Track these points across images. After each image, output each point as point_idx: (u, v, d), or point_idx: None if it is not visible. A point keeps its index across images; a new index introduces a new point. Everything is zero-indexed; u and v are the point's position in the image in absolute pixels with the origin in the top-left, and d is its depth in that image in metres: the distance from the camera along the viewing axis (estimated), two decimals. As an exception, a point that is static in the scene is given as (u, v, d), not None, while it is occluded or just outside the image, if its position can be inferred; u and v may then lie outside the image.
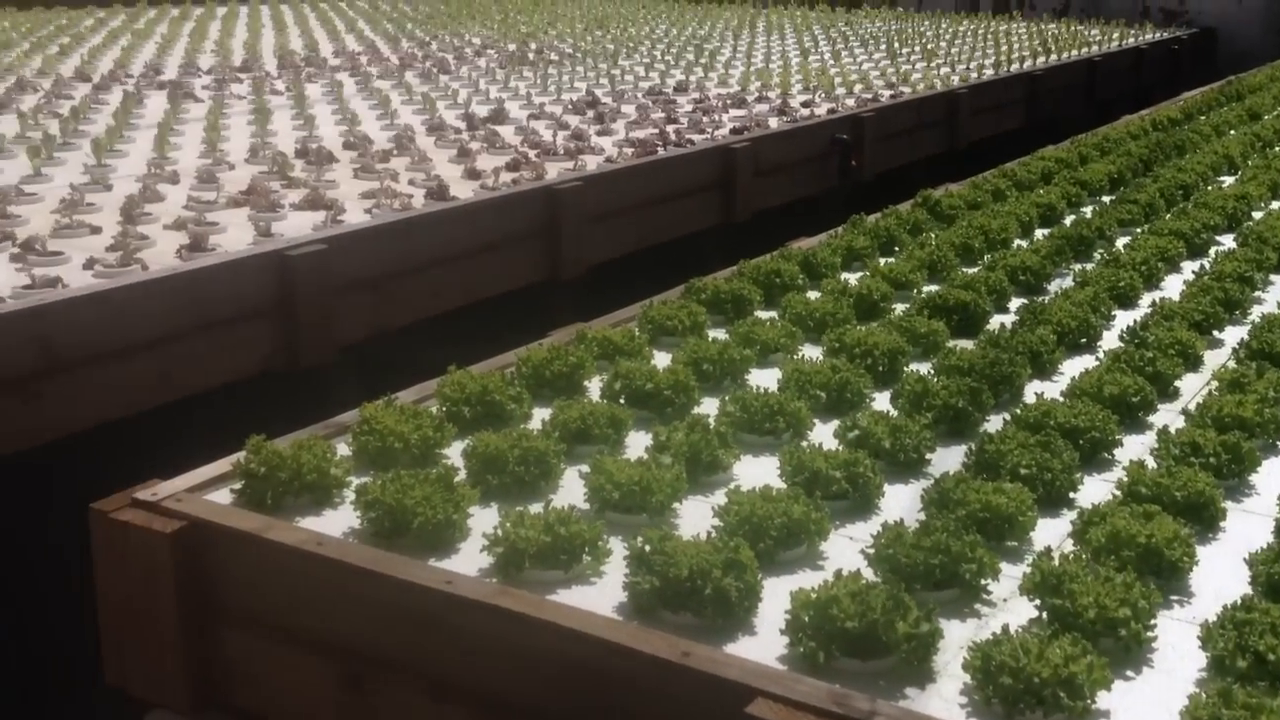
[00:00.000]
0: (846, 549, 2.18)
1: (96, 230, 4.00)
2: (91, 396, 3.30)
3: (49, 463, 3.35)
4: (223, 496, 2.34)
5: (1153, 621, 1.90)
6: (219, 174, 4.83)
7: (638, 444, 2.61)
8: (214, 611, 2.22)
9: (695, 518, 2.26)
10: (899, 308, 3.52)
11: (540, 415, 2.73)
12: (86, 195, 4.40)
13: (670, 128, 6.30)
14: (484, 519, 2.26)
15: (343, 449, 2.51)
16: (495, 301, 4.70)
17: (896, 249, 4.21)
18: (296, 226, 4.17)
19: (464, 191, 4.76)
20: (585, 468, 2.39)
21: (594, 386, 2.92)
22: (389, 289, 4.18)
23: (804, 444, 2.45)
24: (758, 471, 2.47)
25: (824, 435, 2.62)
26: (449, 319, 4.54)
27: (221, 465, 2.41)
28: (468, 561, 2.12)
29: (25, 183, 4.58)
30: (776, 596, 1.97)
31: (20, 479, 3.42)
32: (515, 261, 4.72)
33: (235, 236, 4.00)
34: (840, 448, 2.48)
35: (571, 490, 2.39)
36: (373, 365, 4.32)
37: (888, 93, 7.85)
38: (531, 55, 9.28)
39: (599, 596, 2.01)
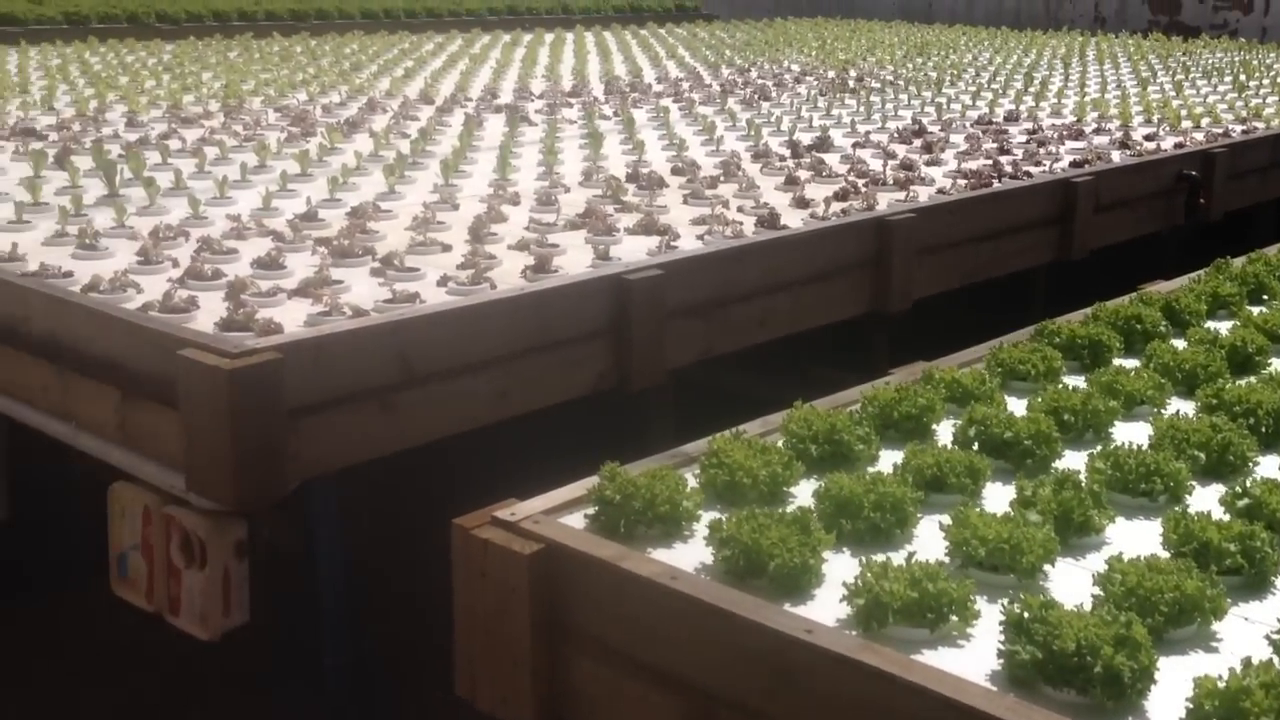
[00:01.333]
0: (1242, 630, 1.98)
1: (447, 248, 4.16)
2: (440, 410, 3.42)
3: (399, 470, 3.50)
4: (576, 521, 2.36)
5: None
6: (556, 196, 4.96)
7: (995, 495, 2.48)
8: (564, 635, 2.23)
9: (1068, 583, 2.11)
10: (1275, 363, 3.23)
11: (887, 458, 2.64)
12: (437, 214, 4.60)
13: (1003, 159, 6.06)
14: (836, 565, 2.19)
15: (689, 479, 2.48)
16: (816, 333, 4.62)
17: (1265, 297, 3.88)
18: (631, 250, 4.22)
19: (793, 220, 4.71)
20: (942, 518, 2.29)
21: (942, 431, 2.80)
22: (718, 315, 4.17)
23: (1187, 510, 2.25)
24: (1132, 537, 2.29)
25: (1202, 501, 2.41)
26: (771, 348, 4.50)
27: (575, 489, 2.43)
28: (823, 609, 2.05)
29: (381, 199, 4.83)
30: (1167, 679, 1.80)
31: (373, 485, 3.60)
32: (841, 293, 4.63)
33: (574, 258, 4.08)
34: (1227, 516, 2.26)
35: (927, 542, 2.28)
36: (695, 391, 4.33)
37: (1239, 128, 7.31)
38: (852, 82, 9.17)
39: (967, 661, 1.89)
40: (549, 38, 12.53)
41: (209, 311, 3.40)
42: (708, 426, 3.75)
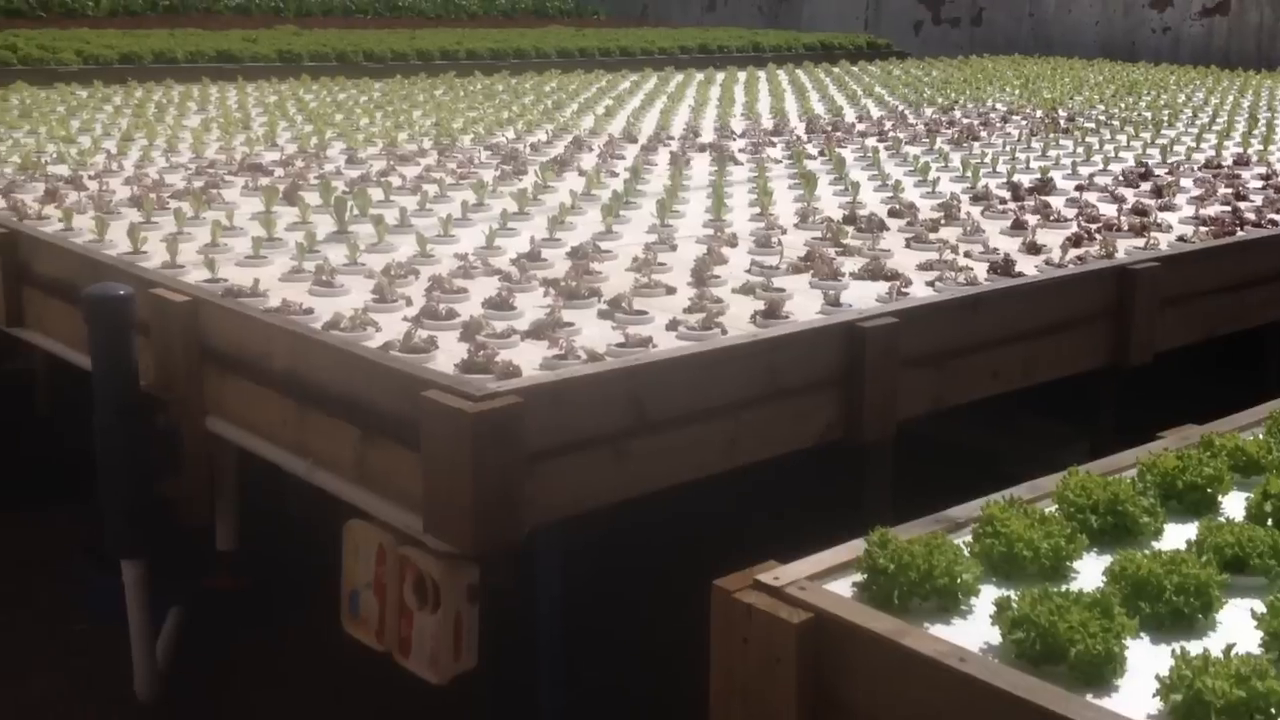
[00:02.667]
0: None
1: (671, 290, 4.10)
2: (672, 458, 3.35)
3: (620, 516, 3.43)
4: (842, 588, 2.23)
5: None
6: (775, 238, 4.85)
7: (1303, 581, 2.26)
8: (833, 711, 2.10)
9: None
10: None
11: (1170, 532, 2.44)
12: (657, 255, 4.55)
13: (1242, 204, 5.72)
14: (1135, 652, 2.01)
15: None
16: (1046, 387, 4.41)
17: None
18: (859, 296, 4.09)
19: (1026, 266, 4.50)
20: (1246, 602, 2.09)
21: (1229, 504, 2.58)
22: (950, 366, 4.01)
23: None
24: None
25: None
26: (999, 402, 4.31)
27: (840, 553, 2.31)
28: (1128, 703, 1.87)
29: (599, 239, 4.81)
30: None
31: (595, 530, 3.55)
32: (1079, 344, 4.41)
33: (802, 304, 3.97)
34: None
35: (1232, 629, 2.08)
36: (908, 441, 4.16)
37: None
38: (1063, 122, 8.85)
39: (1306, 773, 1.70)
40: (742, 76, 12.48)
41: (446, 352, 3.40)
42: (928, 481, 3.57)
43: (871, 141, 7.78)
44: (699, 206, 5.58)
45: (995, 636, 2.06)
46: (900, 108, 9.79)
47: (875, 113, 9.45)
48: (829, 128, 8.40)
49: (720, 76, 12.43)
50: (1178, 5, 16.71)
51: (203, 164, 6.29)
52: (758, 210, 5.48)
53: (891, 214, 5.43)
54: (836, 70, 13.41)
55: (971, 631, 2.10)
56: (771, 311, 3.79)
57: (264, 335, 3.53)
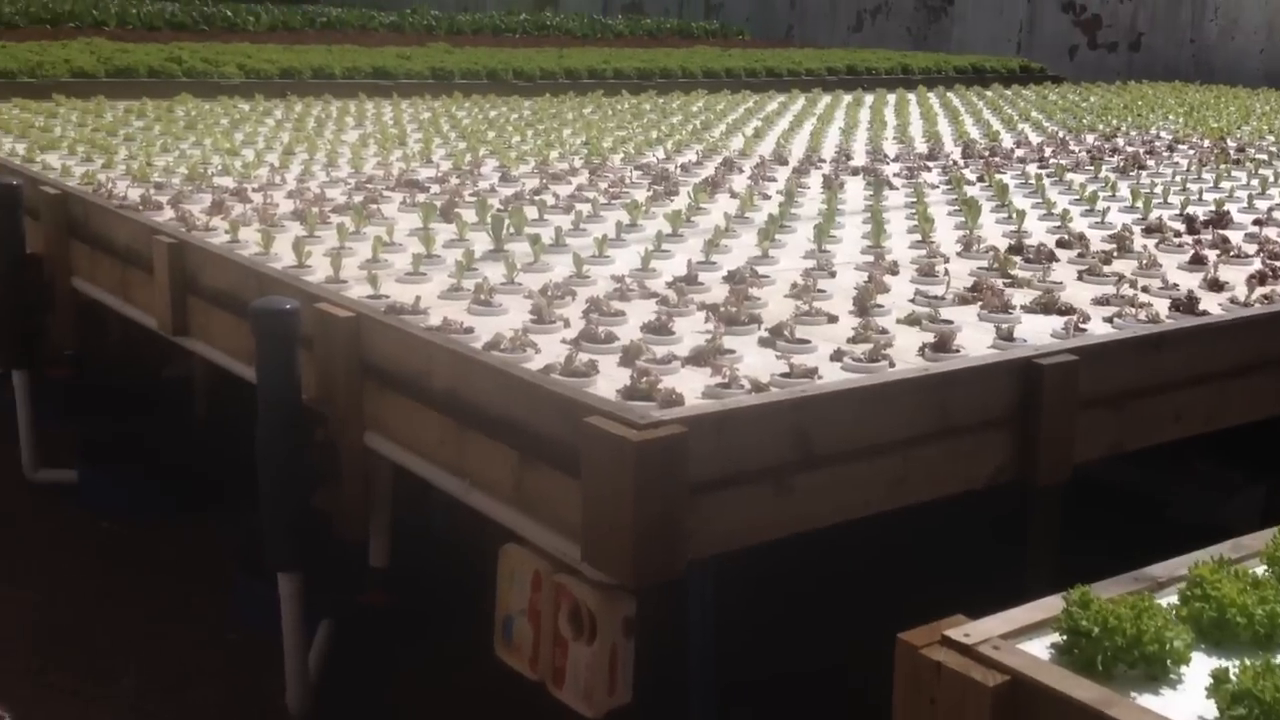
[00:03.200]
0: None
1: (833, 319, 3.98)
2: (836, 494, 3.23)
3: (779, 551, 3.32)
4: (1037, 648, 2.09)
5: None
6: (938, 267, 4.69)
7: None
8: (1028, 781, 1.96)
9: None
10: None
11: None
12: (816, 281, 4.43)
13: None
14: (1369, 737, 1.83)
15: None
16: (1228, 433, 4.17)
17: None
18: (1032, 330, 3.91)
19: (1209, 304, 4.27)
20: None
21: None
22: (1130, 408, 3.80)
23: None
24: None
25: None
26: (1176, 447, 4.09)
27: (1034, 611, 2.16)
28: (1368, 795, 1.70)
29: (755, 263, 4.71)
30: None
31: (747, 565, 3.44)
32: (1266, 388, 4.16)
33: (972, 337, 3.81)
34: None
35: None
36: (1085, 486, 3.96)
37: None
38: (1233, 153, 8.46)
39: None
40: (891, 98, 12.28)
41: (606, 376, 3.33)
42: (1093, 525, 3.35)
43: (1032, 168, 7.54)
44: (856, 232, 5.44)
45: (1208, 710, 1.90)
46: (1060, 133, 9.49)
47: (1034, 138, 9.17)
48: (986, 153, 8.17)
49: (869, 98, 12.25)
50: (1352, 32, 15.97)
51: (361, 179, 6.37)
52: (918, 237, 5.33)
53: (1060, 244, 5.22)
54: (989, 94, 13.09)
55: (1182, 703, 1.94)
56: (942, 345, 3.64)
57: (425, 353, 3.52)
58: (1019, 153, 8.29)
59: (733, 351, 3.58)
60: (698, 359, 3.51)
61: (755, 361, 3.55)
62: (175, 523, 5.61)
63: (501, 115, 9.62)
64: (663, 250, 4.86)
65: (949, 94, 12.99)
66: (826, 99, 12.16)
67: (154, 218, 5.13)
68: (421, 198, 5.81)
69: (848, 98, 12.37)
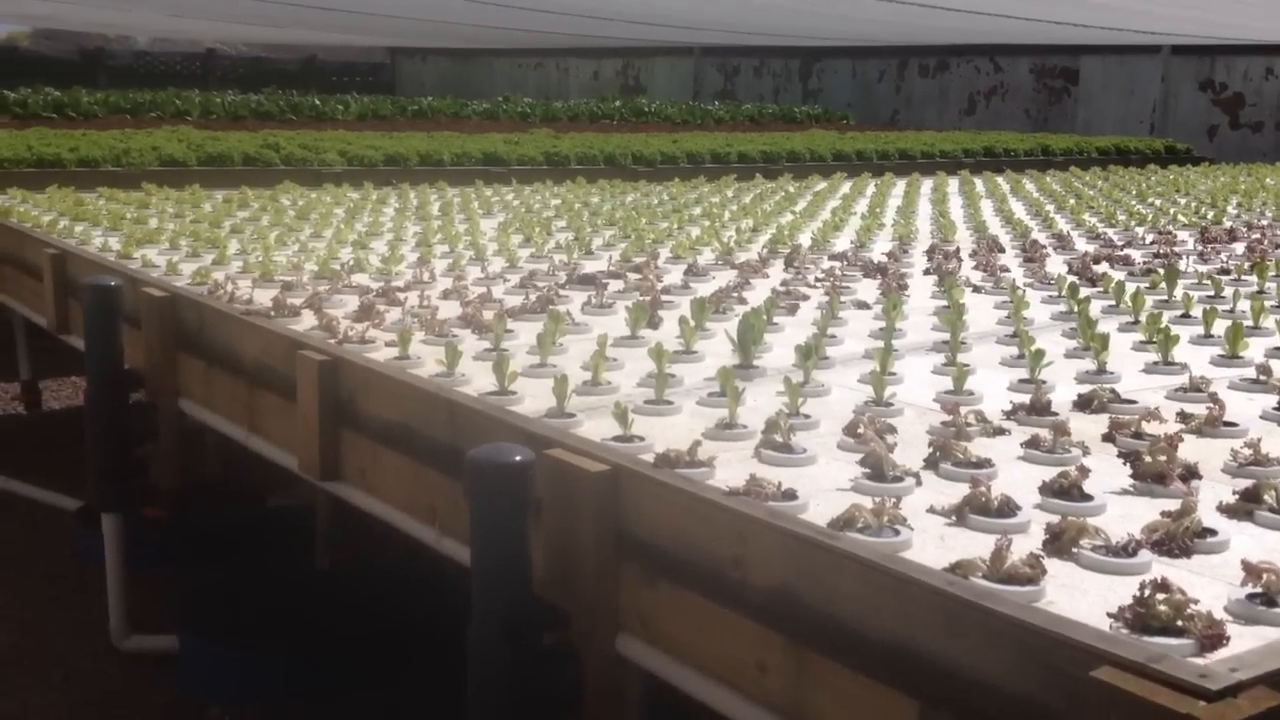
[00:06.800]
0: None
1: None
2: None
3: None
4: None
5: None
6: None
7: None
8: None
9: None
10: None
11: None
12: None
13: None
14: None
15: None
16: None
17: None
18: None
19: None
20: None
21: None
22: None
23: None
24: None
25: None
26: None
27: None
28: None
29: (1091, 380, 3.50)
30: None
31: None
32: None
33: None
34: None
35: None
36: None
37: None
38: None
39: None
40: (1085, 179, 11.03)
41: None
42: None
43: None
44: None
45: None
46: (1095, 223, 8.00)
47: (1062, 227, 7.68)
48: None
49: (1049, 178, 11.02)
50: None
51: (523, 274, 5.26)
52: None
53: None
54: (1169, 174, 11.81)
55: None
56: None
57: (735, 531, 2.33)
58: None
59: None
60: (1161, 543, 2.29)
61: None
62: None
63: (636, 200, 8.55)
64: (961, 364, 3.64)
65: (1141, 175, 11.72)
66: (1000, 180, 10.88)
67: (292, 326, 4.03)
68: (608, 294, 4.69)
69: (1028, 182, 10.94)
